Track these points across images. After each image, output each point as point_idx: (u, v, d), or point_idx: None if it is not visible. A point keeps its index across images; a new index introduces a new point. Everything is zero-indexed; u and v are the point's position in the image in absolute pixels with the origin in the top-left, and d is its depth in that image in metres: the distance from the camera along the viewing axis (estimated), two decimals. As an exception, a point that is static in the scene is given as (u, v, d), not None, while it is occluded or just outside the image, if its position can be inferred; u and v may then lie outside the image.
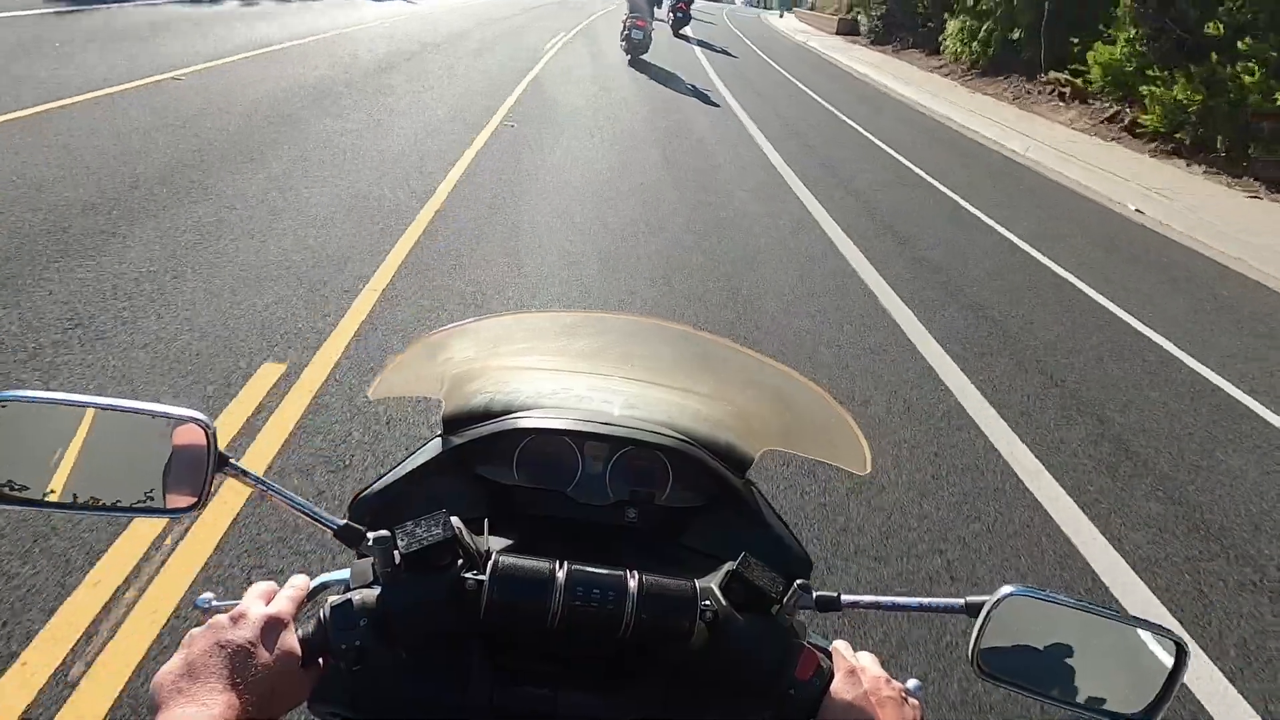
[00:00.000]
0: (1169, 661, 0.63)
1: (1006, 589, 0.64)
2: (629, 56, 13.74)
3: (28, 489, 0.62)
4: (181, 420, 0.64)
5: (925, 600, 0.70)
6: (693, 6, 20.07)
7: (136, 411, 0.64)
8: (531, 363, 0.98)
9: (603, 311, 0.96)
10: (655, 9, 15.93)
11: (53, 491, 0.63)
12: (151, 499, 0.65)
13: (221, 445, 0.65)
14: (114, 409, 0.63)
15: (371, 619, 0.60)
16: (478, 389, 0.93)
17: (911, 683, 0.68)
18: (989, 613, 0.63)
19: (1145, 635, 0.65)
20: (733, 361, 1.00)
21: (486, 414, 0.90)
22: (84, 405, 0.63)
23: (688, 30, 20.14)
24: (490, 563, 0.63)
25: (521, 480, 0.88)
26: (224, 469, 0.66)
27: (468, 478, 0.88)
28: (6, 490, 0.62)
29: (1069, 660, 0.66)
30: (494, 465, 0.88)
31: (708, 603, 0.65)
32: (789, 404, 0.97)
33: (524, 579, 0.62)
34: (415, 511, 0.64)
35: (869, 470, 0.88)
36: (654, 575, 0.65)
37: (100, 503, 0.64)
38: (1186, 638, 0.65)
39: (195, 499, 0.65)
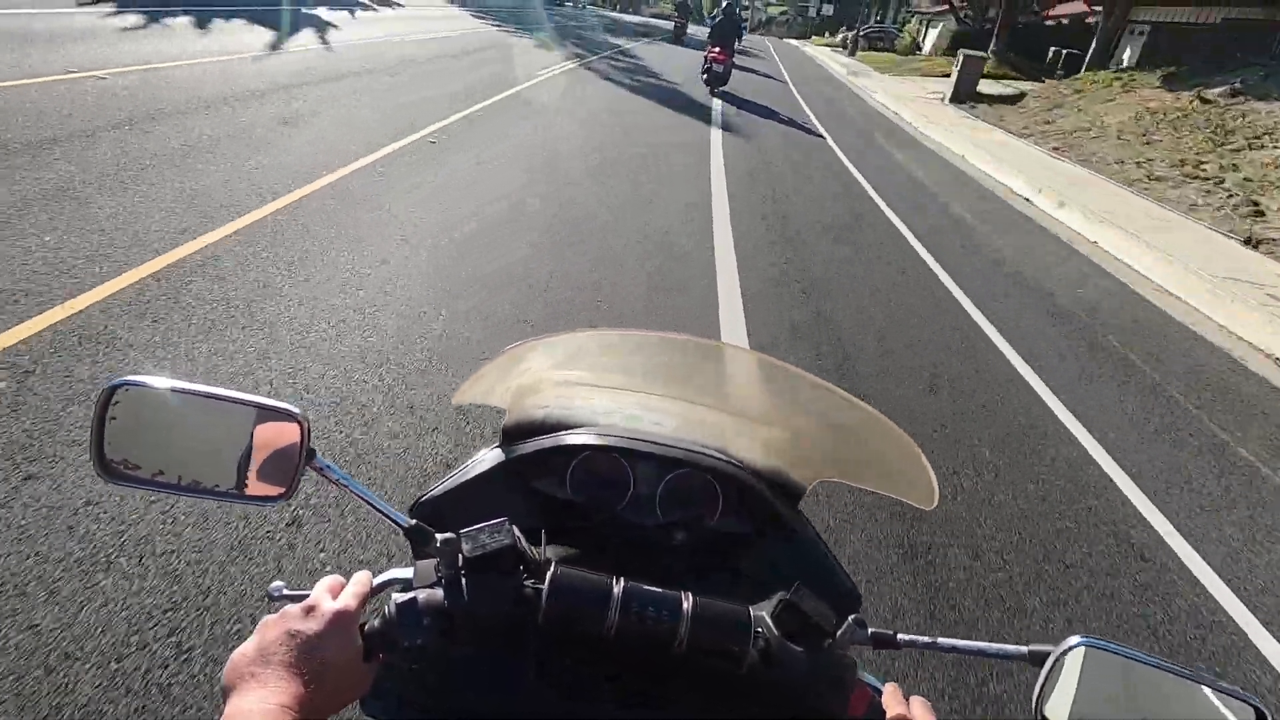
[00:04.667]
0: None
1: (1073, 639, 0.62)
2: (710, 88, 13.95)
3: (139, 469, 0.68)
4: (282, 413, 0.68)
5: (986, 645, 0.68)
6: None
7: (243, 403, 0.68)
8: (591, 379, 0.98)
9: (671, 333, 0.98)
10: (738, 42, 14.90)
11: (161, 473, 0.68)
12: (245, 485, 0.70)
13: None
14: (222, 399, 0.67)
15: (435, 618, 0.62)
16: (537, 403, 0.95)
17: None
18: (1054, 663, 0.62)
19: (1218, 698, 0.62)
20: (795, 387, 0.99)
21: (544, 428, 0.91)
22: (194, 394, 0.67)
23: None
24: (550, 573, 0.64)
25: (574, 496, 0.88)
26: (311, 463, 0.70)
27: (523, 490, 0.89)
28: (122, 469, 0.67)
29: (1135, 717, 0.63)
30: (548, 480, 0.89)
31: (760, 630, 0.65)
32: (851, 433, 0.95)
33: (583, 591, 0.64)
34: (473, 518, 0.66)
35: (935, 503, 0.85)
36: (707, 598, 0.66)
37: (201, 485, 0.69)
38: (1264, 706, 0.62)
39: (283, 489, 0.69)
